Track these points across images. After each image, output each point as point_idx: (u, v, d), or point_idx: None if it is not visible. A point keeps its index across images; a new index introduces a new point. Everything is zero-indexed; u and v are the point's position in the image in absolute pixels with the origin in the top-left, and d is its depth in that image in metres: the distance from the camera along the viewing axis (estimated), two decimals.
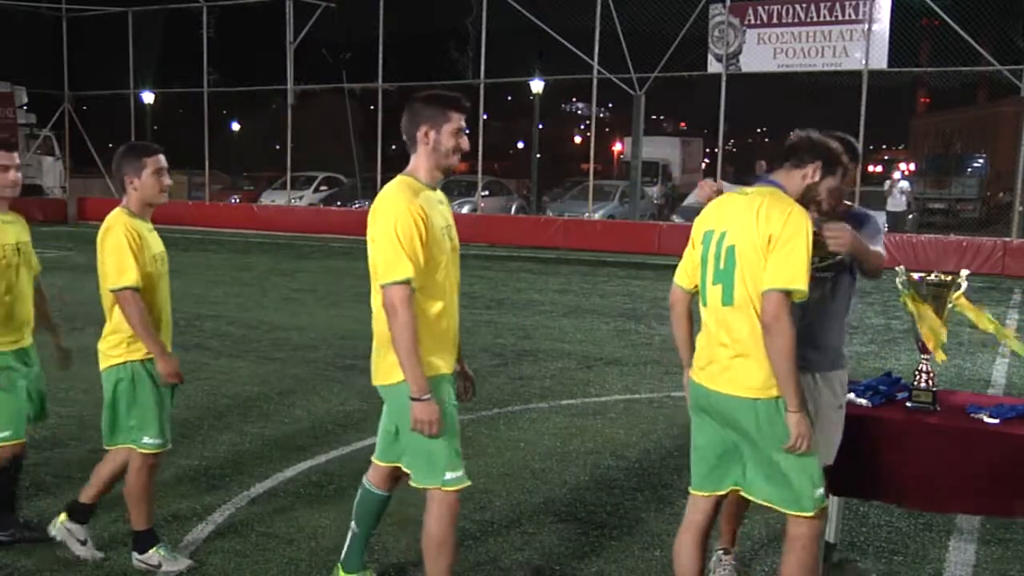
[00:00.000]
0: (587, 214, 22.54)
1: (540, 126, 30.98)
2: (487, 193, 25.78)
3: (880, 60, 19.02)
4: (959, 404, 3.93)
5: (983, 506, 3.76)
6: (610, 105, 43.23)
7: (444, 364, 3.46)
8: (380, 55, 23.41)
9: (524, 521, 4.80)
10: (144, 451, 4.06)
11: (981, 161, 32.50)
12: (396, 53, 24.74)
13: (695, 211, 3.74)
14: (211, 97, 26.35)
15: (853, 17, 19.29)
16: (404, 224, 3.27)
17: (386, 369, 3.43)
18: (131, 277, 3.91)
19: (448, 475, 3.43)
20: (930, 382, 3.86)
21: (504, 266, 17.15)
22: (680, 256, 3.66)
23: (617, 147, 41.62)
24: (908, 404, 3.89)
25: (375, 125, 24.00)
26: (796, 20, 19.90)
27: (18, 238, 4.36)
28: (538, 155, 30.74)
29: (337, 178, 30.21)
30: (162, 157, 4.09)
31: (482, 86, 22.74)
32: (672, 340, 3.72)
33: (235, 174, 34.19)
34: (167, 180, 4.10)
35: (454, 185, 28.14)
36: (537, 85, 24.83)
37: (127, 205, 4.06)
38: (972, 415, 3.75)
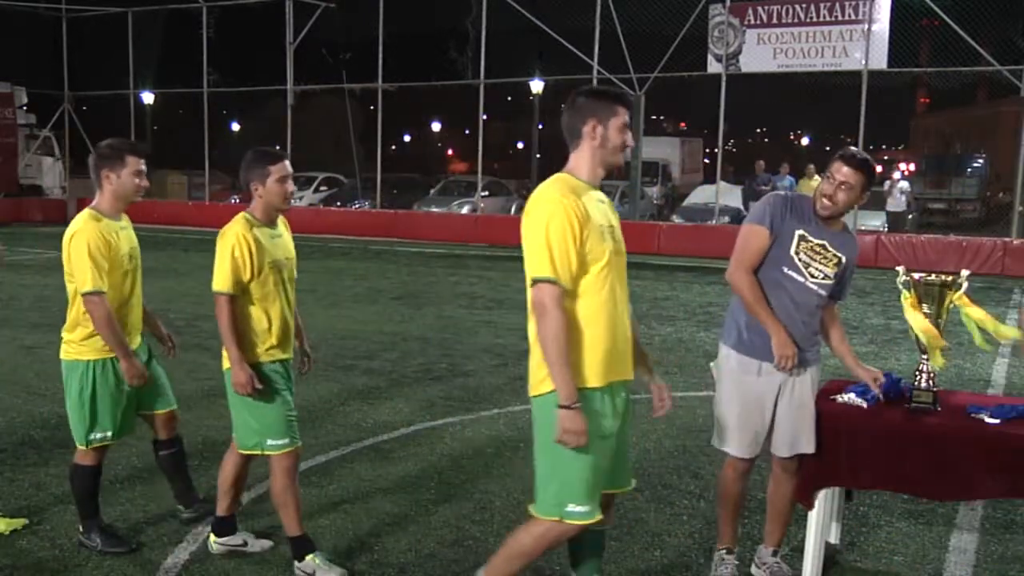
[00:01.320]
0: None
1: (540, 126, 31.01)
2: (487, 193, 25.78)
3: (880, 60, 19.01)
4: (959, 404, 3.93)
5: (987, 490, 3.73)
6: None
7: (594, 376, 3.19)
8: (380, 55, 23.40)
9: (524, 521, 4.78)
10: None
11: (981, 161, 32.52)
12: (396, 53, 24.73)
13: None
14: (211, 97, 26.34)
15: (853, 17, 19.28)
16: (558, 223, 3.08)
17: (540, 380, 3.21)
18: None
19: (572, 508, 3.22)
20: (930, 382, 3.86)
21: (504, 266, 17.14)
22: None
23: None
24: (909, 404, 3.89)
25: (375, 125, 23.99)
26: (796, 20, 19.89)
27: (131, 244, 4.38)
28: (538, 155, 30.76)
29: (337, 178, 30.21)
30: (287, 163, 4.09)
31: (482, 86, 22.75)
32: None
33: (235, 174, 34.15)
34: (291, 187, 4.09)
35: (454, 185, 28.17)
36: (537, 85, 24.82)
37: (252, 212, 4.06)
38: (973, 415, 3.75)
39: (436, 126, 56.56)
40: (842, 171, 3.79)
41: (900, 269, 3.95)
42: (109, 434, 4.28)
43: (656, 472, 5.59)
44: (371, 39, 23.63)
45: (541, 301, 3.08)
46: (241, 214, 4.07)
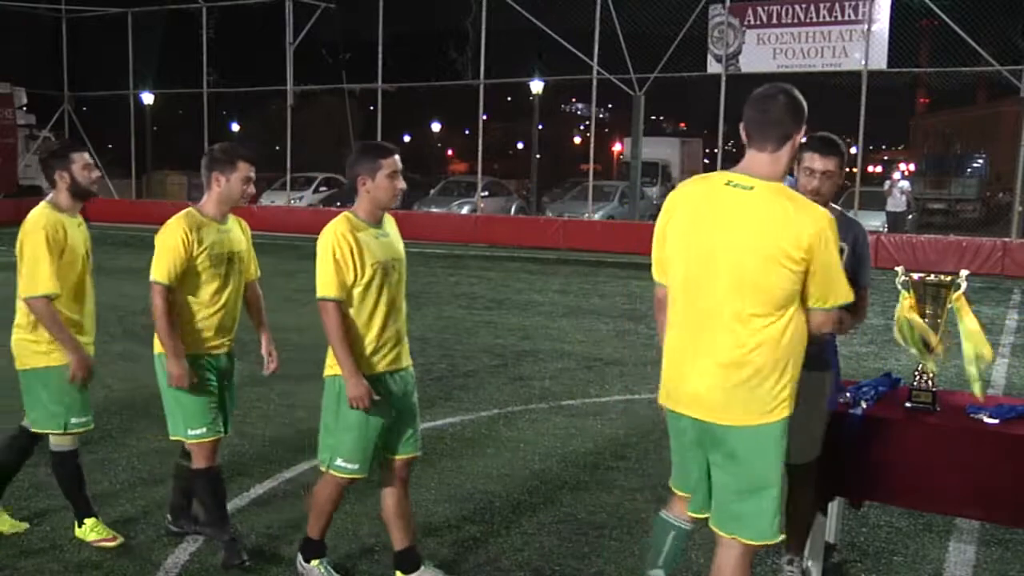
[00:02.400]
0: (587, 215, 22.54)
1: (540, 127, 31.00)
2: (487, 194, 25.78)
3: (880, 60, 19.02)
4: (959, 404, 3.93)
5: (983, 511, 3.75)
6: (610, 106, 43.27)
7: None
8: (380, 55, 23.41)
9: (524, 521, 4.80)
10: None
11: (981, 161, 32.52)
12: (396, 54, 24.74)
13: None
14: (211, 98, 26.35)
15: (853, 17, 19.29)
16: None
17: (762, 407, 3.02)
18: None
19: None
20: (930, 382, 3.86)
21: (504, 267, 17.15)
22: None
23: (617, 147, 41.63)
24: (908, 404, 3.89)
25: (375, 125, 23.99)
26: (796, 20, 19.90)
27: (230, 249, 4.21)
28: (538, 156, 30.74)
29: (337, 179, 30.20)
30: (398, 159, 3.85)
31: (482, 86, 22.75)
32: None
33: None
34: (401, 184, 3.84)
35: (454, 186, 28.17)
36: (537, 86, 24.83)
37: (355, 210, 3.84)
38: (972, 415, 3.75)
39: (436, 126, 56.52)
40: (821, 162, 3.71)
41: (899, 269, 3.94)
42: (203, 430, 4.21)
43: (656, 472, 5.59)
44: (371, 39, 23.64)
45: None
46: (343, 213, 3.85)
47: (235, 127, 46.06)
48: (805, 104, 3.03)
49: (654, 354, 9.16)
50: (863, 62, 18.92)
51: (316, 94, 30.50)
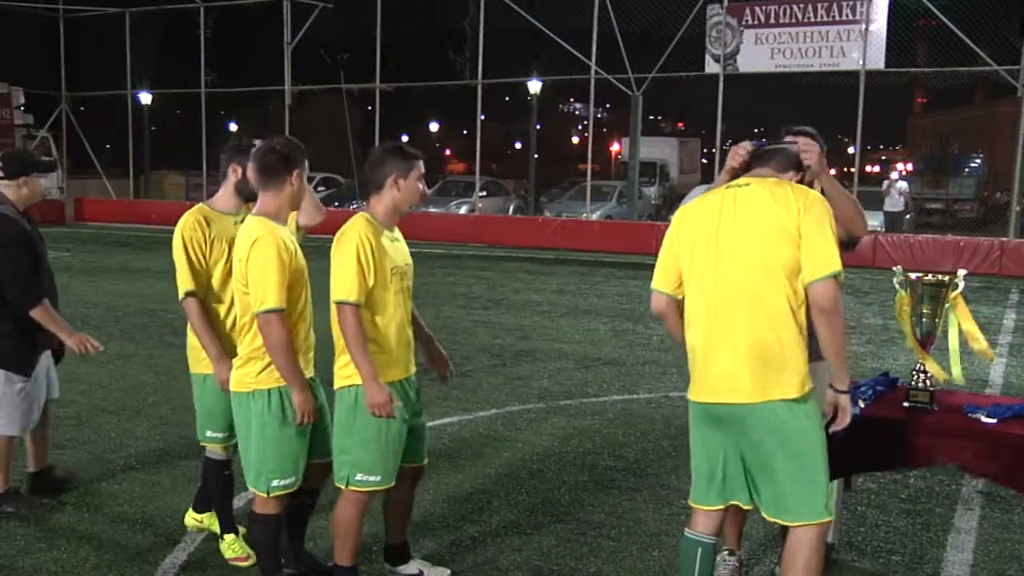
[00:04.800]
0: (585, 214, 22.55)
1: (538, 126, 30.95)
2: (485, 193, 25.78)
3: (877, 60, 19.03)
4: (957, 404, 3.93)
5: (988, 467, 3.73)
6: (608, 105, 43.23)
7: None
8: (378, 56, 23.41)
9: (522, 521, 4.80)
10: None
11: (978, 161, 32.54)
12: (394, 54, 24.74)
13: None
14: (208, 98, 26.33)
15: (850, 17, 19.30)
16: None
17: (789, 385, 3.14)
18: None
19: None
20: (928, 382, 3.86)
21: (502, 266, 17.15)
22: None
23: (615, 147, 41.68)
24: (906, 404, 3.89)
25: (373, 125, 23.99)
26: (793, 20, 19.91)
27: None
28: (536, 155, 30.72)
29: (335, 179, 30.20)
30: (422, 162, 3.76)
31: (479, 86, 22.75)
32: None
33: None
34: (426, 189, 3.80)
35: (452, 186, 28.15)
36: (535, 85, 24.82)
37: (372, 212, 3.72)
38: (969, 415, 3.75)
39: (434, 126, 56.52)
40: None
41: (897, 269, 3.95)
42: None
43: (654, 472, 5.60)
44: (369, 39, 23.64)
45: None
46: (361, 214, 3.71)
47: (233, 127, 46.02)
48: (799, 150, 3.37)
49: (651, 354, 9.19)
50: (861, 62, 18.93)
51: (314, 94, 30.46)
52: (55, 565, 4.18)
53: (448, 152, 61.63)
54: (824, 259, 3.07)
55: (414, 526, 4.67)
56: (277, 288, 3.56)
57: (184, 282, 4.13)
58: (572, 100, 60.22)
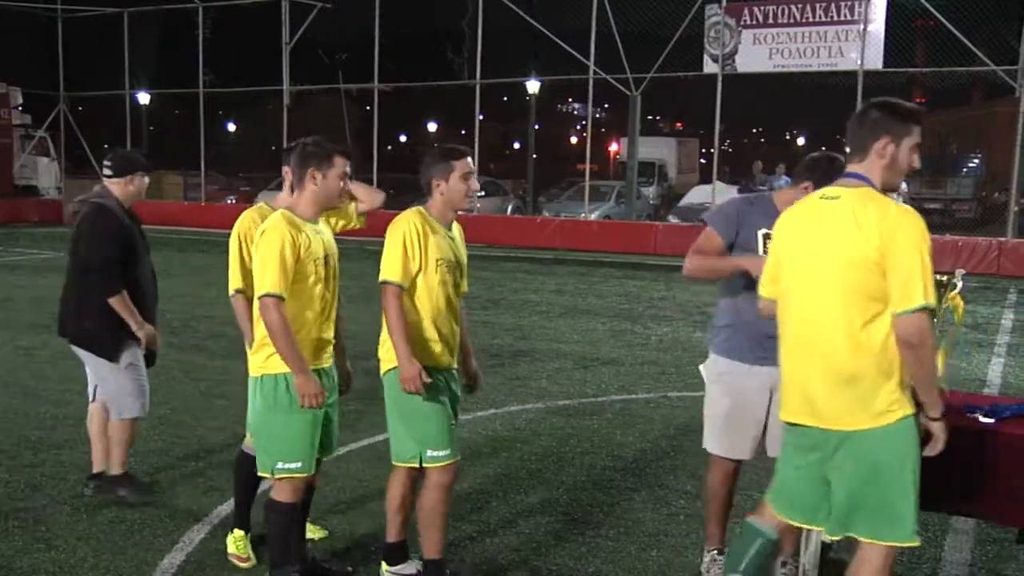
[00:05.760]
0: (583, 214, 22.55)
1: (536, 126, 30.97)
2: (483, 193, 25.74)
3: (875, 60, 19.04)
4: (955, 404, 3.92)
5: (978, 509, 3.75)
6: (606, 105, 43.21)
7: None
8: (376, 55, 23.40)
9: (521, 521, 4.80)
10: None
11: (977, 161, 32.56)
12: (392, 54, 24.73)
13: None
14: (207, 98, 26.30)
15: (849, 17, 19.31)
16: None
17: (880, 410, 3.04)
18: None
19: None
20: None
21: (500, 266, 17.15)
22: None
23: (613, 147, 41.65)
24: None
25: (371, 125, 23.98)
26: (792, 20, 19.91)
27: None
28: (534, 155, 30.73)
29: None
30: (471, 160, 3.89)
31: (478, 86, 22.74)
32: None
33: (231, 175, 34.16)
34: (475, 185, 3.91)
35: None
36: (533, 85, 24.82)
37: (428, 208, 3.87)
38: (968, 415, 3.75)
39: (432, 126, 56.48)
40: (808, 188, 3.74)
41: None
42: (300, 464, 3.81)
43: (653, 472, 5.60)
44: (367, 39, 23.63)
45: None
46: (416, 207, 3.88)
47: (231, 127, 46.03)
48: (901, 109, 3.13)
49: (650, 354, 9.19)
50: (859, 62, 18.94)
51: (312, 94, 30.43)
52: (53, 565, 4.18)
53: None
54: (910, 290, 2.92)
55: (413, 525, 4.67)
56: (275, 275, 3.61)
57: (234, 280, 4.23)
58: (570, 100, 60.13)
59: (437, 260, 3.80)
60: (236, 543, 4.26)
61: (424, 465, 3.82)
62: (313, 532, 4.43)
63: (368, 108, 25.53)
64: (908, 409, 3.07)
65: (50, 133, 28.23)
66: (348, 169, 3.86)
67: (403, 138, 51.21)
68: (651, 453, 5.97)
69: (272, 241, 3.64)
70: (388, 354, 3.82)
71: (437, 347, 3.85)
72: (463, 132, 49.48)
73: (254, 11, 26.64)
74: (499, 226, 22.23)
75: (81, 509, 4.85)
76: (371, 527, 4.64)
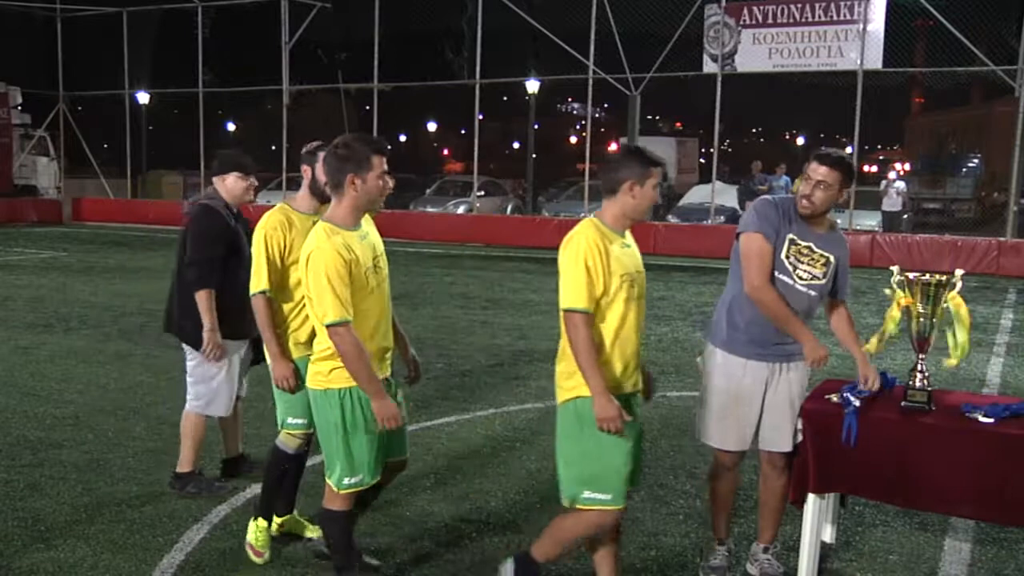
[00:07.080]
0: (583, 214, 22.53)
1: (536, 126, 31.00)
2: (483, 193, 25.76)
3: (875, 60, 19.04)
4: (954, 404, 3.93)
5: (977, 510, 3.76)
6: (606, 105, 43.23)
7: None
8: (376, 55, 23.40)
9: (520, 521, 4.80)
10: None
11: (976, 161, 32.59)
12: (391, 53, 24.70)
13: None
14: (206, 97, 26.29)
15: (848, 17, 19.30)
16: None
17: None
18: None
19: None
20: (925, 382, 3.86)
21: (500, 266, 17.15)
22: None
23: (613, 147, 41.61)
24: (903, 403, 3.89)
25: (371, 125, 23.97)
26: (791, 20, 19.91)
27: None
28: (534, 155, 30.75)
29: None
30: (661, 170, 3.63)
31: (477, 86, 22.74)
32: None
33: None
34: (658, 196, 3.70)
35: (449, 185, 28.15)
36: (533, 85, 24.82)
37: (602, 217, 3.62)
38: (967, 414, 3.75)
39: (432, 126, 56.55)
40: (819, 171, 3.86)
41: (895, 269, 3.96)
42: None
43: (652, 472, 5.60)
44: (367, 39, 23.61)
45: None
46: (589, 219, 3.61)
47: (231, 127, 45.99)
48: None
49: (649, 354, 9.17)
50: (858, 62, 18.94)
51: (312, 94, 30.45)
52: (52, 565, 4.18)
53: (446, 152, 61.63)
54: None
55: (413, 525, 4.68)
56: (336, 300, 3.48)
57: (258, 281, 4.17)
58: (570, 100, 60.16)
59: (621, 276, 3.50)
60: (257, 532, 4.26)
61: (577, 505, 3.57)
62: (313, 532, 4.43)
63: (367, 108, 25.49)
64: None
65: (49, 133, 28.22)
66: (386, 166, 3.66)
67: (403, 138, 51.20)
68: (650, 453, 5.96)
69: (319, 266, 3.49)
70: (570, 381, 3.52)
71: (629, 371, 3.59)
72: (462, 132, 49.52)
73: (253, 11, 26.60)
74: (498, 226, 22.23)
75: (80, 509, 4.85)
76: (370, 526, 4.63)
